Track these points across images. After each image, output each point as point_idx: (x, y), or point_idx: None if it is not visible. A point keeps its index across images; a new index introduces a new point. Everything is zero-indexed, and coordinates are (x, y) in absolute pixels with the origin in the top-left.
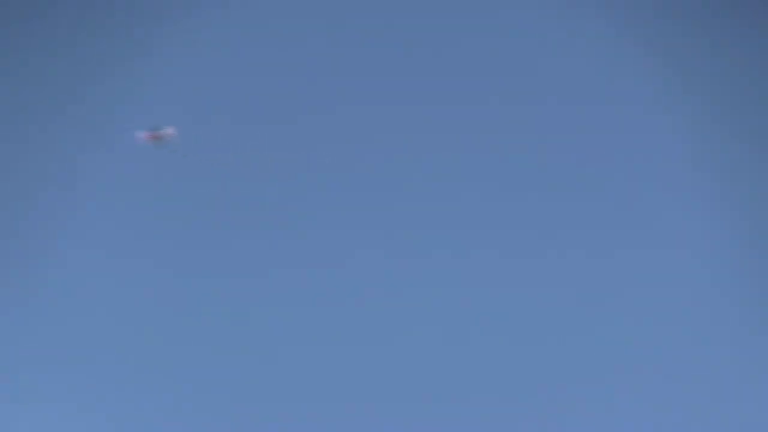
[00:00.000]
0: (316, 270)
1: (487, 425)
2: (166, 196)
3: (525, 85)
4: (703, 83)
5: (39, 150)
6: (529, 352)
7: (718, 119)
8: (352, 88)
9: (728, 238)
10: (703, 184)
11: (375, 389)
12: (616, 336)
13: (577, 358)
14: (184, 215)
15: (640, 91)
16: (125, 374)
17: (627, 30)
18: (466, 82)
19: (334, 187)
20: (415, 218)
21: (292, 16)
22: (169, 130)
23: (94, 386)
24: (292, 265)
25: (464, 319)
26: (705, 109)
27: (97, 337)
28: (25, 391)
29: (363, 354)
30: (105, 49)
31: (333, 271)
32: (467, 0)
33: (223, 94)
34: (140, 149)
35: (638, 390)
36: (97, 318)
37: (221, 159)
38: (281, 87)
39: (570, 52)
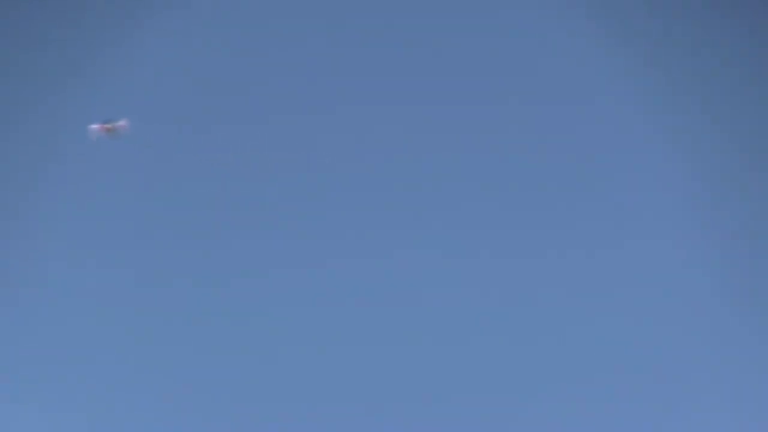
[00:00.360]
0: (313, 270)
1: (485, 426)
2: (161, 196)
3: (522, 85)
4: (698, 84)
5: (26, 147)
6: (524, 352)
7: (714, 120)
8: (351, 88)
9: (722, 238)
10: (697, 184)
11: (374, 390)
12: (611, 336)
13: (573, 358)
14: (181, 214)
15: (634, 93)
16: (121, 376)
17: (620, 32)
18: (466, 82)
19: (332, 188)
20: (413, 218)
21: (290, 15)
22: (121, 122)
23: (90, 388)
24: (289, 265)
25: (460, 318)
26: (705, 108)
27: (94, 339)
28: (23, 393)
29: (361, 355)
30: (99, 44)
31: (331, 271)
32: (467, 0)
33: (218, 92)
34: (136, 149)
35: (636, 390)
36: (93, 319)
37: (218, 159)
38: (278, 86)
39: (566, 52)
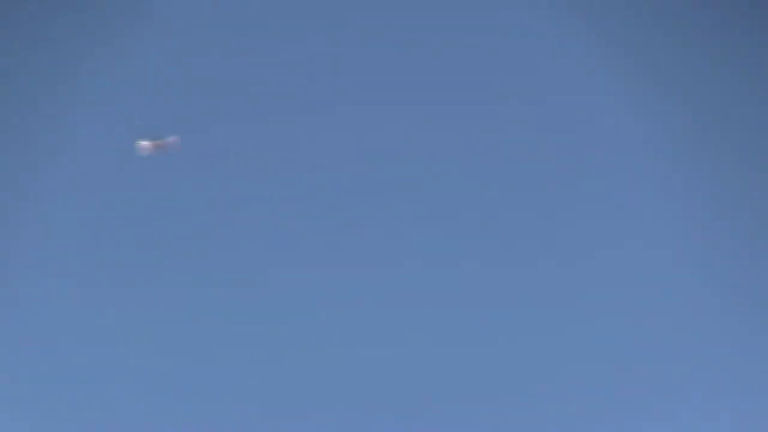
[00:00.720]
0: (313, 271)
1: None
2: (162, 197)
3: (521, 87)
4: (697, 86)
5: (27, 148)
6: (526, 353)
7: (713, 122)
8: (351, 89)
9: (720, 239)
10: (695, 185)
11: (374, 393)
12: (609, 336)
13: (572, 359)
14: (180, 215)
15: (633, 95)
16: (121, 377)
17: (619, 34)
18: (466, 82)
19: (332, 188)
20: (414, 219)
21: (291, 16)
22: (170, 139)
23: (91, 389)
24: (289, 266)
25: (460, 320)
26: (703, 110)
27: (95, 340)
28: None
29: (361, 357)
30: (98, 44)
31: (331, 271)
32: (467, 0)
33: (217, 95)
34: (147, 154)
35: (635, 392)
36: (94, 321)
37: (217, 159)
38: (278, 86)
39: (565, 55)
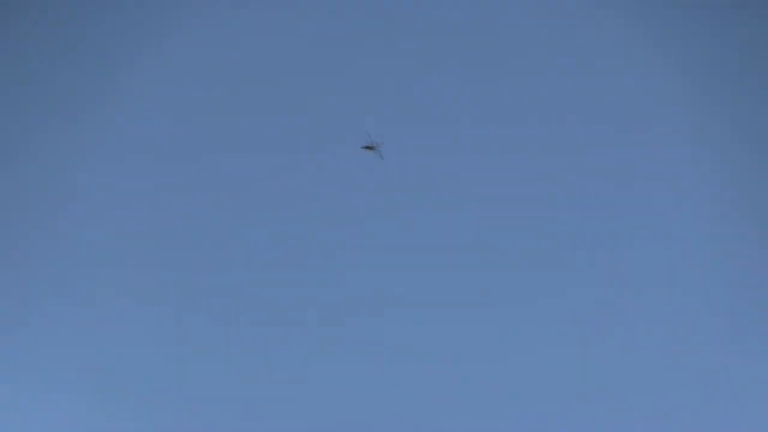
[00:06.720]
0: (315, 271)
1: None
2: (160, 203)
3: (533, 88)
4: (716, 86)
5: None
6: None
7: (728, 123)
8: (356, 94)
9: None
10: (711, 184)
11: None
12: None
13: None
14: (185, 217)
15: (649, 94)
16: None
17: (639, 31)
18: (470, 89)
19: (334, 190)
20: (418, 217)
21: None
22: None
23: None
24: (294, 266)
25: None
26: (720, 108)
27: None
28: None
29: (365, 365)
30: (101, 47)
31: (335, 273)
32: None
33: (221, 98)
34: (144, 155)
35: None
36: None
37: (225, 162)
38: (279, 88)
39: (581, 52)
